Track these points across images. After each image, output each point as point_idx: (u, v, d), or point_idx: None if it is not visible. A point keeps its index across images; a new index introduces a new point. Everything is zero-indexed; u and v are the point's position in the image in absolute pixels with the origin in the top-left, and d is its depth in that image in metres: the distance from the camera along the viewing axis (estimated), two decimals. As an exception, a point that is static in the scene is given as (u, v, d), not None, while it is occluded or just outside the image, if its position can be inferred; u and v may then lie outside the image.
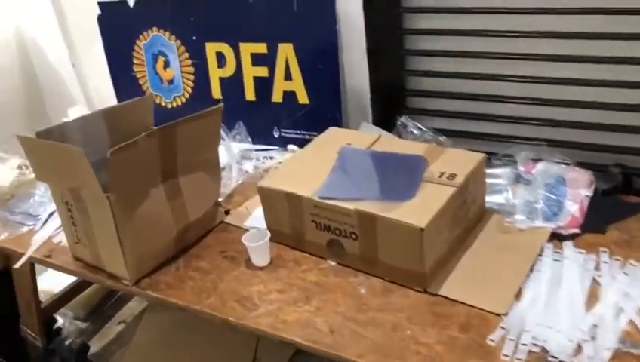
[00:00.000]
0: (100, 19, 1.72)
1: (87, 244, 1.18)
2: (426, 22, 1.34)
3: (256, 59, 1.53)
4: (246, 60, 1.55)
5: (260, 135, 1.58)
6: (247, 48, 1.53)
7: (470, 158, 1.16)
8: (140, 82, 1.76)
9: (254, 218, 1.30)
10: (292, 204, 1.13)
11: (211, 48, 1.59)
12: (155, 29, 1.65)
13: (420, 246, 1.00)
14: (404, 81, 1.39)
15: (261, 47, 1.51)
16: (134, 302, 2.05)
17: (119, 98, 1.82)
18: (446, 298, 1.03)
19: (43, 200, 1.45)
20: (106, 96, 1.90)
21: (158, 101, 1.75)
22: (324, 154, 1.23)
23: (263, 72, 1.54)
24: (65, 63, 1.90)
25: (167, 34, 1.63)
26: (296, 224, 1.15)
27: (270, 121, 1.57)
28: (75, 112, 1.82)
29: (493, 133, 1.37)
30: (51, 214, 1.40)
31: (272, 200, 1.16)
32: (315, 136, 1.50)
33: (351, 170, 1.15)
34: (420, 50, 1.35)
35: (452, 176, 1.09)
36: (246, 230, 1.24)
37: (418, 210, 1.02)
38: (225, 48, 1.56)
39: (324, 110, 1.48)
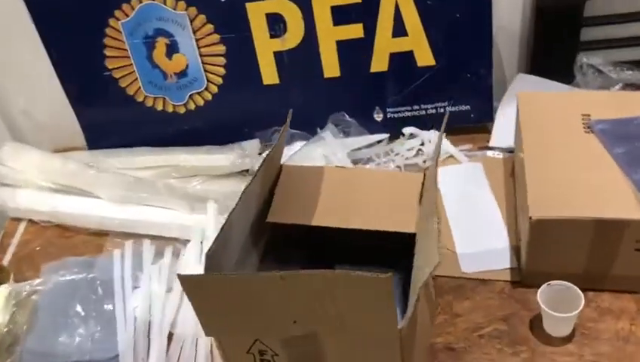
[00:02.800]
0: (28, -6, 1.02)
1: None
2: None
3: (342, 15, 1.00)
4: (323, 18, 1.01)
5: (350, 123, 1.10)
6: (326, 0, 1.00)
7: None
8: (122, 84, 1.10)
9: (469, 258, 0.87)
10: (603, 234, 0.74)
11: (257, 10, 1.01)
12: (143, -5, 1.01)
13: None
14: (581, 6, 1.00)
15: (350, -5, 0.99)
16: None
17: (80, 115, 1.15)
18: None
19: (95, 330, 0.84)
20: (44, 118, 1.21)
21: (160, 107, 1.13)
22: (570, 142, 0.83)
23: (354, 31, 1.02)
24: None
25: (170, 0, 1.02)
26: (600, 258, 0.77)
27: (367, 101, 1.09)
28: (6, 154, 1.13)
29: None
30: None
31: (558, 233, 0.75)
32: (443, 107, 1.08)
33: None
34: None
35: None
36: (468, 280, 0.83)
37: None
38: (284, 6, 1.00)
39: (460, 70, 1.04)
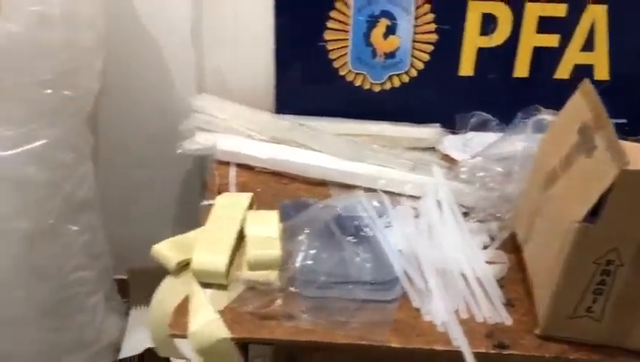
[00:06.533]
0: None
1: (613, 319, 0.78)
2: None
3: (546, 24, 1.18)
4: (529, 25, 1.17)
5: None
6: (537, 10, 1.16)
7: None
8: (331, 56, 1.20)
9: None
10: None
11: (477, 8, 1.16)
12: (383, -22, 1.13)
13: None
14: None
15: (558, 9, 1.16)
16: None
17: (281, 80, 1.23)
18: None
19: (366, 256, 0.90)
20: (236, 77, 1.26)
21: (359, 83, 1.23)
22: None
23: (551, 40, 1.19)
24: (165, 25, 1.20)
25: (405, -13, 1.14)
26: None
27: (545, 105, 1.25)
28: (204, 103, 1.19)
29: None
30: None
31: None
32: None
33: None
34: None
35: None
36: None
37: None
38: (500, 9, 1.16)
39: (627, 87, 1.23)
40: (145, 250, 1.51)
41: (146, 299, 1.48)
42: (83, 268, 1.20)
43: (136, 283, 1.51)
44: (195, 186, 1.43)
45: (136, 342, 1.33)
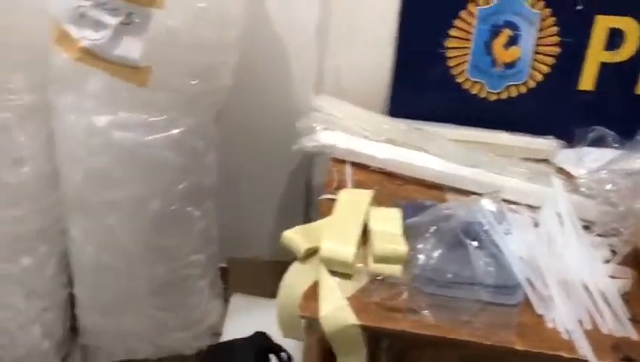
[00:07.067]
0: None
1: None
2: None
3: (676, 42, 1.17)
4: (658, 42, 1.17)
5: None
6: None
7: None
8: (450, 63, 1.22)
9: None
10: None
11: (604, 23, 1.16)
12: (511, -11, 1.15)
13: None
14: None
15: (690, 26, 1.15)
16: None
17: (397, 84, 1.26)
18: None
19: (488, 260, 0.92)
20: (353, 78, 1.30)
21: (475, 91, 1.25)
22: None
23: (679, 57, 1.18)
24: (291, 24, 1.26)
25: (532, -1, 1.16)
26: None
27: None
28: (322, 103, 1.23)
29: None
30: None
31: None
32: None
33: None
34: None
35: None
36: None
37: None
38: (627, 24, 1.15)
39: None
40: (245, 240, 1.58)
41: (244, 287, 1.58)
42: (197, 252, 1.27)
43: (235, 272, 1.58)
44: (298, 184, 1.48)
45: (237, 327, 1.39)
